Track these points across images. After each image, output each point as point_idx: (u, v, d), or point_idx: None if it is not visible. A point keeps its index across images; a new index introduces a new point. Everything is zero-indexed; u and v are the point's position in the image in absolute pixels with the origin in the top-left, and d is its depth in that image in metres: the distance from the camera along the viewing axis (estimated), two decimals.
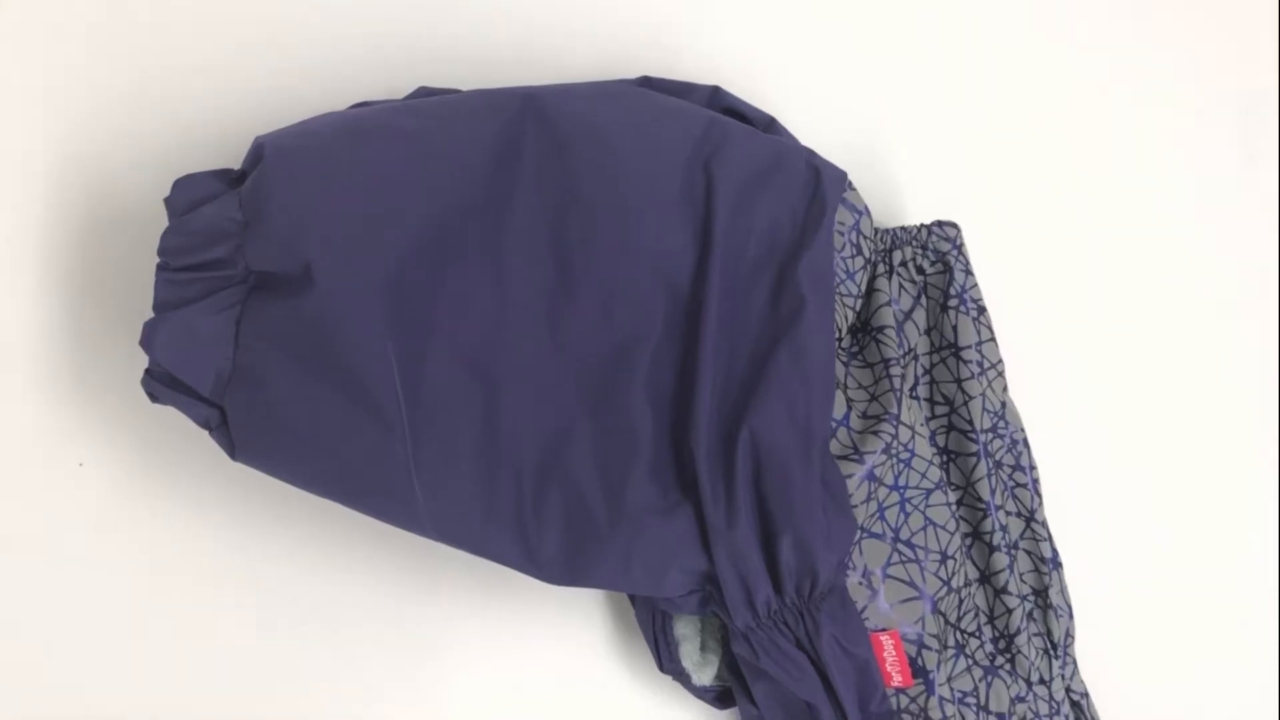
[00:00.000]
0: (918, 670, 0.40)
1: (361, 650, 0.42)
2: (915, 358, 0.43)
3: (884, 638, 0.40)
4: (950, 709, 0.41)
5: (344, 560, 0.42)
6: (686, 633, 0.41)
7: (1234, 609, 0.48)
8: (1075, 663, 0.44)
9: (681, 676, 0.41)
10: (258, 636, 0.42)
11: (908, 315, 0.43)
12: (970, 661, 0.42)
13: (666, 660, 0.41)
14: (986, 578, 0.42)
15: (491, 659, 0.43)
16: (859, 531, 0.39)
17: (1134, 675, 0.47)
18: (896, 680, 0.40)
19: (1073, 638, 0.44)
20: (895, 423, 0.40)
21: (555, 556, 0.36)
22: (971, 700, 0.42)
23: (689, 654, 0.41)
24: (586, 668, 0.43)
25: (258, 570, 0.42)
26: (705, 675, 0.42)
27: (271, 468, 0.36)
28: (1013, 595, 0.42)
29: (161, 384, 0.35)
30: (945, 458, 0.43)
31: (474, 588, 0.43)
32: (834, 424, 0.40)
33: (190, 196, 0.35)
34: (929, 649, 0.40)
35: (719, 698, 0.43)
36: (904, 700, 0.41)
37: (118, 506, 0.41)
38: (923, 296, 0.43)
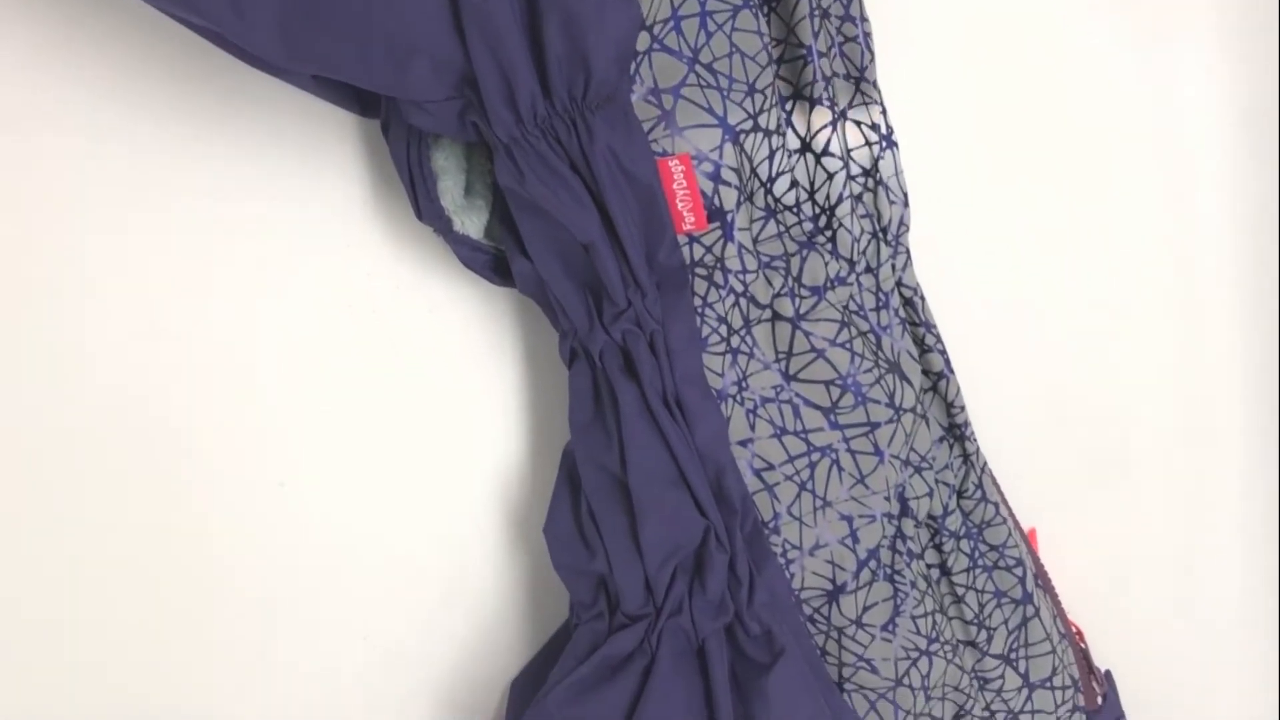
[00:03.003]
0: (714, 212, 0.35)
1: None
2: None
3: (673, 163, 0.34)
4: (751, 261, 0.35)
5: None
6: (447, 166, 0.35)
7: None
8: (909, 255, 0.39)
9: (442, 223, 0.35)
10: None
11: None
12: (782, 229, 0.37)
13: (424, 200, 0.35)
14: (807, 144, 0.37)
15: (213, 203, 0.36)
16: (651, 41, 0.33)
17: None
18: (689, 222, 0.34)
19: (907, 227, 0.38)
20: None
21: (270, 14, 0.30)
22: (780, 265, 0.37)
23: (449, 191, 0.35)
24: (334, 230, 0.37)
25: None
26: (471, 224, 0.35)
27: None
28: (834, 157, 0.36)
29: None
30: (767, 7, 0.37)
31: (195, 111, 0.36)
32: None
33: None
34: (727, 184, 0.34)
35: (494, 268, 0.37)
36: (698, 250, 0.35)
37: None
38: None
